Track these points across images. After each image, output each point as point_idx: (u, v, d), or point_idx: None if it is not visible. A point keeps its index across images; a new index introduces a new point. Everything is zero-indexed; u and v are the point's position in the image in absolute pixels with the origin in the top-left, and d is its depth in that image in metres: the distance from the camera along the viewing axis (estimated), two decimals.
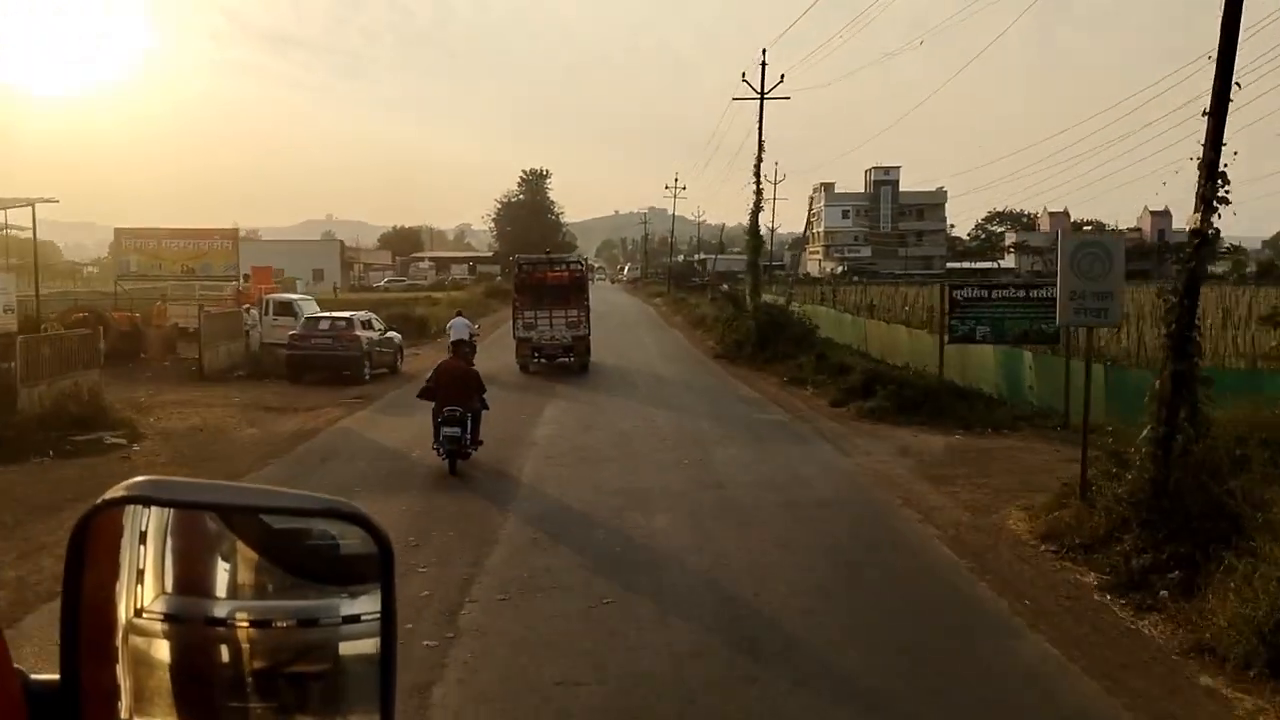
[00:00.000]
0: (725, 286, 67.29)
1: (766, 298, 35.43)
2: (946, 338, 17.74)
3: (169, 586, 1.30)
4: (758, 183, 32.01)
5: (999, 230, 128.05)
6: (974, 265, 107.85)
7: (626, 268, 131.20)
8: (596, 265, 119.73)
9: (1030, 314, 17.17)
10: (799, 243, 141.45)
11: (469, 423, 12.24)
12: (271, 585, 1.37)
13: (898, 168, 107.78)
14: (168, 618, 1.28)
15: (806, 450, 14.00)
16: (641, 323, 43.94)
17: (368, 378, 22.25)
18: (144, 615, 1.28)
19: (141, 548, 1.28)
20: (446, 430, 11.96)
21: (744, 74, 33.98)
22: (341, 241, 78.54)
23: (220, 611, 1.31)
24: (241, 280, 29.92)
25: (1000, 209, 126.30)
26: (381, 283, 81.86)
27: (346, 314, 23.80)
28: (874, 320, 29.49)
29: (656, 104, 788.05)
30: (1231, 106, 8.65)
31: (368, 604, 1.31)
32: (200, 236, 25.77)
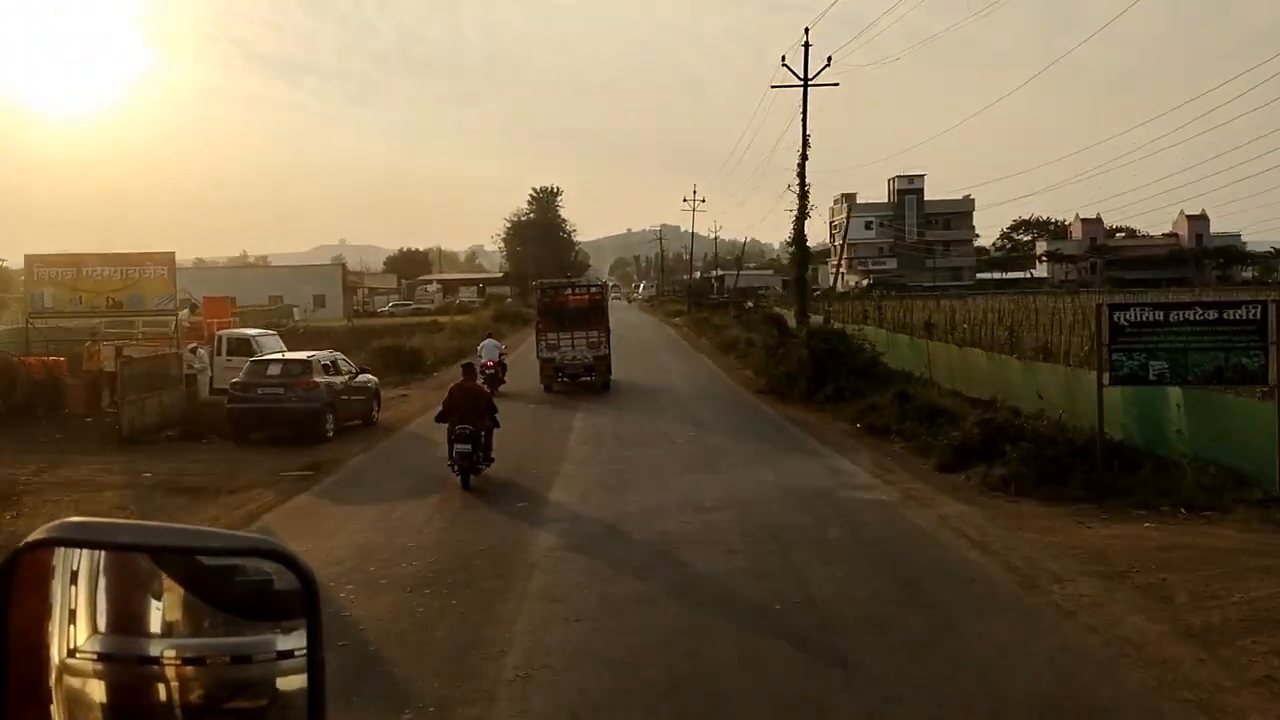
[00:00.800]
0: (750, 304, 62.59)
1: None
2: (1107, 377, 12.77)
3: (102, 626, 1.31)
4: (802, 184, 27.32)
5: (1024, 239, 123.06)
6: (1006, 275, 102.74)
7: (641, 286, 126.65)
8: (611, 284, 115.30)
9: (1224, 343, 12.28)
10: (817, 256, 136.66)
11: (480, 439, 12.84)
12: (205, 623, 1.36)
13: (922, 176, 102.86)
14: (101, 657, 1.29)
15: (949, 570, 9.04)
16: (663, 346, 39.25)
17: (330, 434, 17.51)
18: (77, 655, 1.28)
19: (73, 588, 1.29)
20: (459, 447, 12.56)
21: (784, 58, 29.27)
22: (344, 265, 74.25)
23: (154, 650, 1.31)
24: (189, 312, 25.39)
25: (1026, 217, 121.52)
26: (386, 307, 77.44)
27: (304, 355, 19.04)
28: (938, 342, 24.65)
29: (667, 122, 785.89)
30: None
31: (302, 639, 1.31)
32: (129, 263, 21.21)
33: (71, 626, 1.28)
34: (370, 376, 20.46)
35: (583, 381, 24.24)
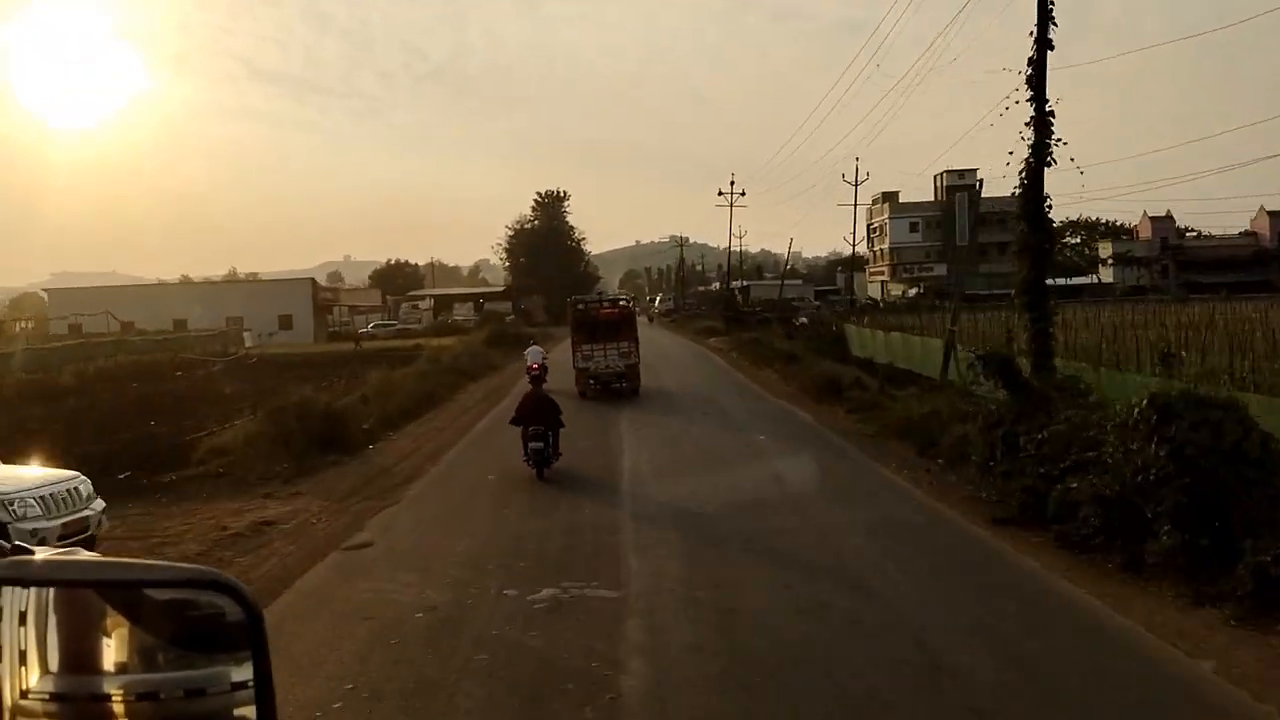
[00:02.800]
0: (801, 319, 50.91)
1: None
2: None
3: (54, 666, 1.30)
4: (1039, 105, 15.63)
5: (1072, 242, 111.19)
6: (1070, 282, 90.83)
7: (658, 299, 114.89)
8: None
9: None
10: (849, 263, 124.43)
11: (550, 438, 14.27)
12: (158, 658, 1.34)
13: (974, 171, 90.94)
14: (54, 697, 1.28)
15: None
16: (723, 390, 26.70)
17: None
18: (30, 697, 1.27)
19: (22, 629, 1.28)
20: (533, 445, 14.13)
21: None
22: (313, 280, 62.78)
23: (108, 687, 1.29)
24: None
25: (1073, 218, 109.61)
26: (367, 328, 65.93)
27: None
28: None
29: (671, 133, 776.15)
30: None
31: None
32: None
33: (23, 668, 1.27)
34: (77, 484, 8.98)
35: (614, 389, 25.46)
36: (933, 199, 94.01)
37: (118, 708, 1.28)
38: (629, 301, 30.94)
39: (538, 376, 22.91)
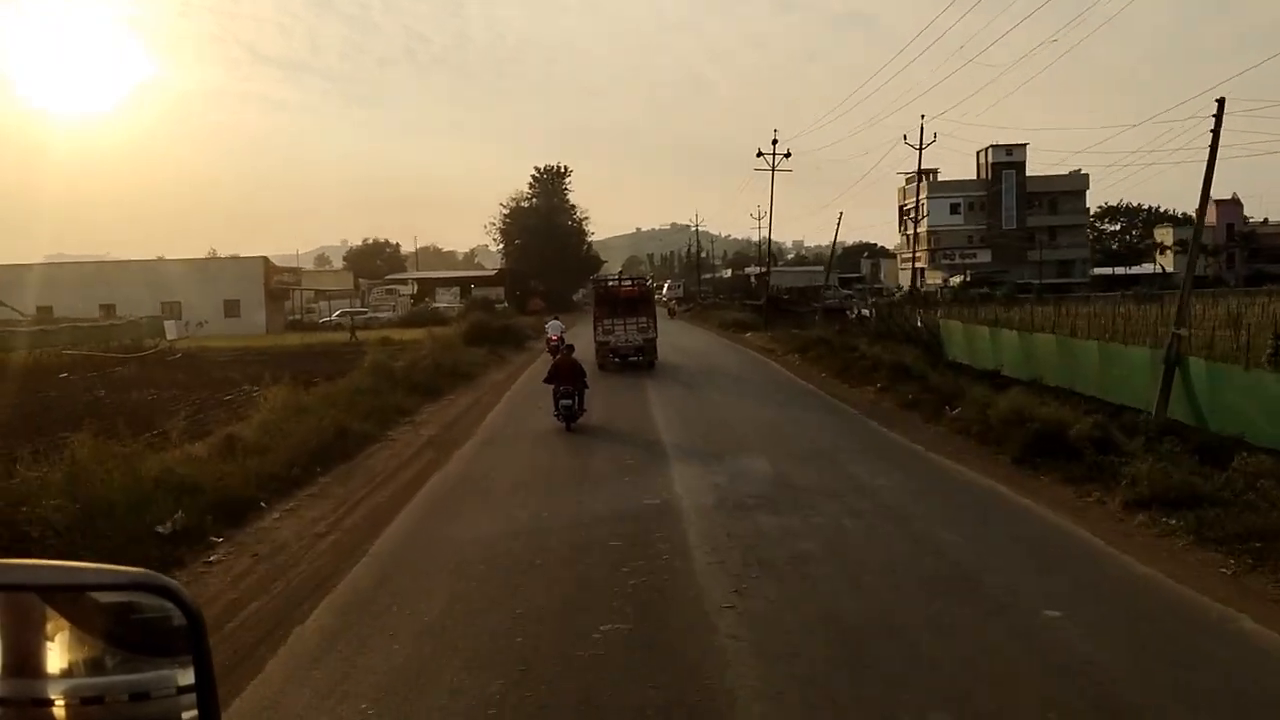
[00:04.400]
0: (866, 311, 41.53)
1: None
2: None
3: None
4: None
5: (1110, 229, 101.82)
6: (1131, 271, 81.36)
7: (666, 286, 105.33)
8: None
9: None
10: (875, 251, 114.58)
11: (578, 398, 16.19)
12: (103, 661, 1.32)
13: (1024, 147, 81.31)
14: None
15: None
16: (842, 454, 17.25)
17: None
18: None
19: None
20: (563, 402, 16.05)
21: None
22: (265, 259, 53.08)
23: (51, 692, 1.28)
24: None
25: (1112, 203, 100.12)
26: (332, 316, 56.40)
27: None
28: None
29: (673, 121, 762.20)
30: None
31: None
32: None
33: None
34: None
35: (632, 361, 26.34)
36: (975, 177, 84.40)
37: (61, 712, 1.26)
38: (646, 280, 33.44)
39: (557, 346, 23.11)
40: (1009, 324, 26.91)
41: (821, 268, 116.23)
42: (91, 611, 1.30)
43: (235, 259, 52.23)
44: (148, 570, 1.33)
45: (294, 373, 21.64)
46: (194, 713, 1.29)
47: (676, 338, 40.80)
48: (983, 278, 72.62)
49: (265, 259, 53.17)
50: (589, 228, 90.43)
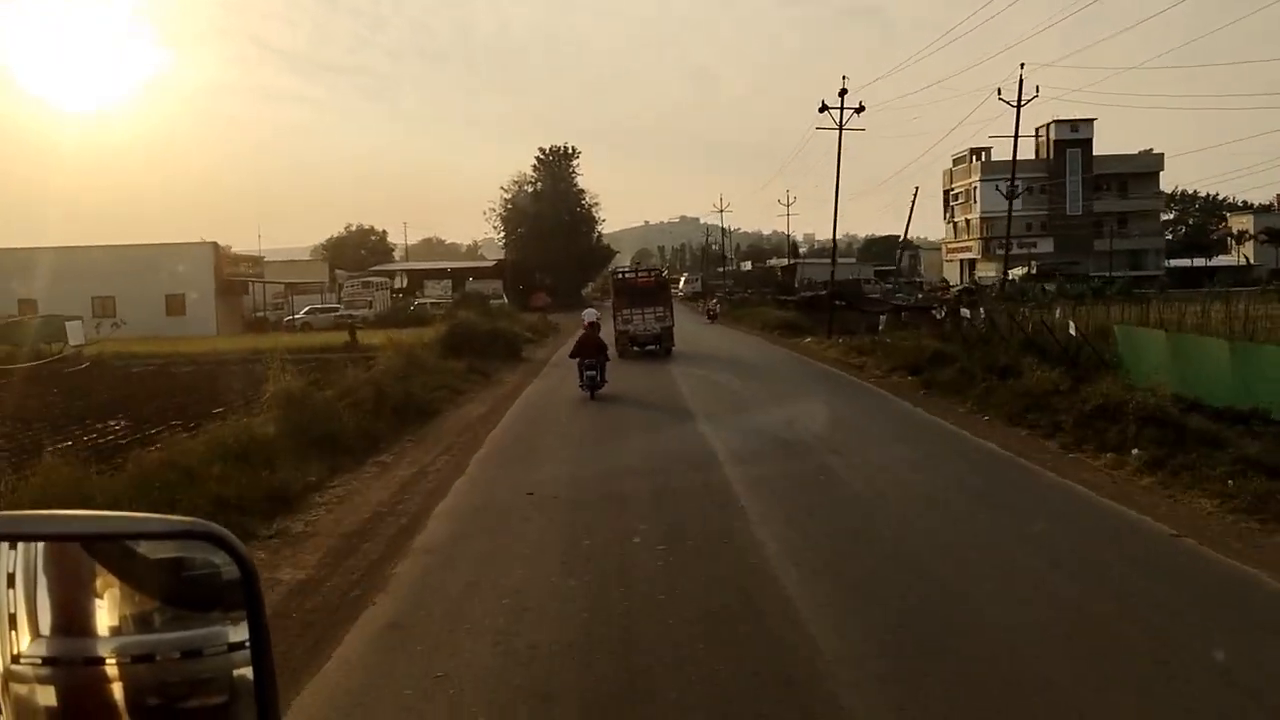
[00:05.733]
0: (965, 312, 32.58)
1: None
2: None
3: (45, 629, 1.26)
4: None
5: (1165, 217, 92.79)
6: (1209, 263, 72.47)
7: (684, 279, 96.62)
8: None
9: None
10: (901, 242, 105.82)
11: (600, 369, 18.34)
12: (153, 618, 1.29)
13: (1090, 122, 72.24)
14: (47, 661, 1.24)
15: None
16: None
17: None
18: (22, 661, 1.24)
19: (10, 591, 1.24)
20: (588, 373, 18.21)
21: None
22: (215, 244, 44.42)
23: (102, 650, 1.25)
24: None
25: (1168, 190, 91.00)
26: (299, 315, 47.85)
27: None
28: None
29: (680, 114, 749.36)
30: None
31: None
32: None
33: (13, 632, 1.24)
34: None
35: (649, 349, 27.35)
36: (1034, 157, 75.41)
37: (112, 671, 1.24)
38: (662, 271, 36.10)
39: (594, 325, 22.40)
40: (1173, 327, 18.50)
41: (854, 260, 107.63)
42: (140, 565, 1.25)
43: (179, 245, 43.66)
44: (201, 520, 1.26)
45: (170, 407, 12.96)
46: (245, 669, 1.24)
47: (722, 344, 32.25)
48: (1049, 269, 63.77)
49: (215, 245, 44.47)
50: (599, 214, 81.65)
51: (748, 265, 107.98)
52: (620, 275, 30.98)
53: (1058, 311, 29.82)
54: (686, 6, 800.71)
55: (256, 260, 50.16)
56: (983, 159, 75.04)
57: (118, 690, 1.24)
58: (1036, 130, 74.83)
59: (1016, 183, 73.94)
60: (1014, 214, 74.47)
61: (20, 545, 1.23)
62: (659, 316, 27.65)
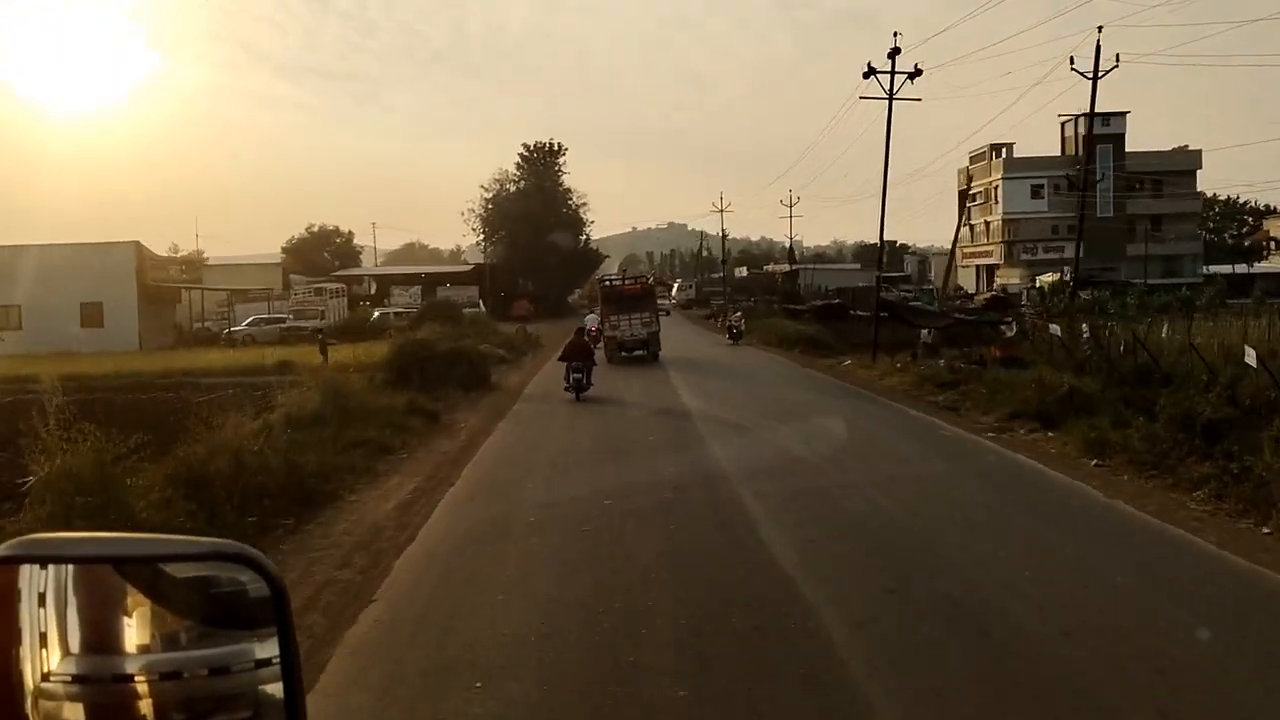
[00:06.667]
0: (1056, 328, 26.25)
1: None
2: None
3: (74, 647, 1.27)
4: None
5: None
6: (1252, 269, 66.78)
7: (676, 286, 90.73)
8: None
9: None
10: (896, 248, 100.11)
11: (586, 373, 19.25)
12: (180, 636, 1.31)
13: (1123, 115, 66.61)
14: (76, 679, 1.25)
15: None
16: None
17: None
18: (52, 679, 1.25)
19: (41, 610, 1.25)
20: (574, 375, 19.10)
21: None
22: (138, 244, 37.91)
23: (130, 668, 1.26)
24: None
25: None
26: (237, 327, 41.44)
27: None
28: None
29: (672, 120, 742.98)
30: None
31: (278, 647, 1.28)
32: None
33: (44, 650, 1.25)
34: None
35: (637, 355, 27.64)
36: (1060, 153, 69.79)
37: (141, 688, 1.24)
38: (649, 278, 37.57)
39: (596, 337, 25.94)
40: None
41: (858, 265, 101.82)
42: (168, 584, 1.25)
43: (95, 246, 37.20)
44: (231, 541, 1.27)
45: None
46: (273, 685, 1.24)
47: (746, 368, 25.92)
48: (1085, 277, 57.93)
49: (138, 244, 37.96)
50: (588, 216, 75.43)
51: (743, 271, 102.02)
52: (608, 283, 31.57)
53: (1163, 329, 24.04)
54: (676, 10, 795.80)
55: (193, 263, 43.73)
56: (1003, 155, 69.42)
57: (145, 707, 1.24)
58: (1062, 124, 69.29)
59: (1043, 182, 68.41)
60: (1038, 215, 69.05)
61: (51, 567, 1.24)
62: (646, 323, 28.32)
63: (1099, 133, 66.51)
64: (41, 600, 1.24)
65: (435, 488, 10.81)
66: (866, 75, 25.39)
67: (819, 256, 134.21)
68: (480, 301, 50.77)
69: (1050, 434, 13.09)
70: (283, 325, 40.23)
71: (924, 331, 29.88)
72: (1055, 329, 22.78)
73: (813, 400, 19.09)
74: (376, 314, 43.64)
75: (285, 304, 45.94)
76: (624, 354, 27.77)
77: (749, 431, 14.97)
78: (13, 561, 1.21)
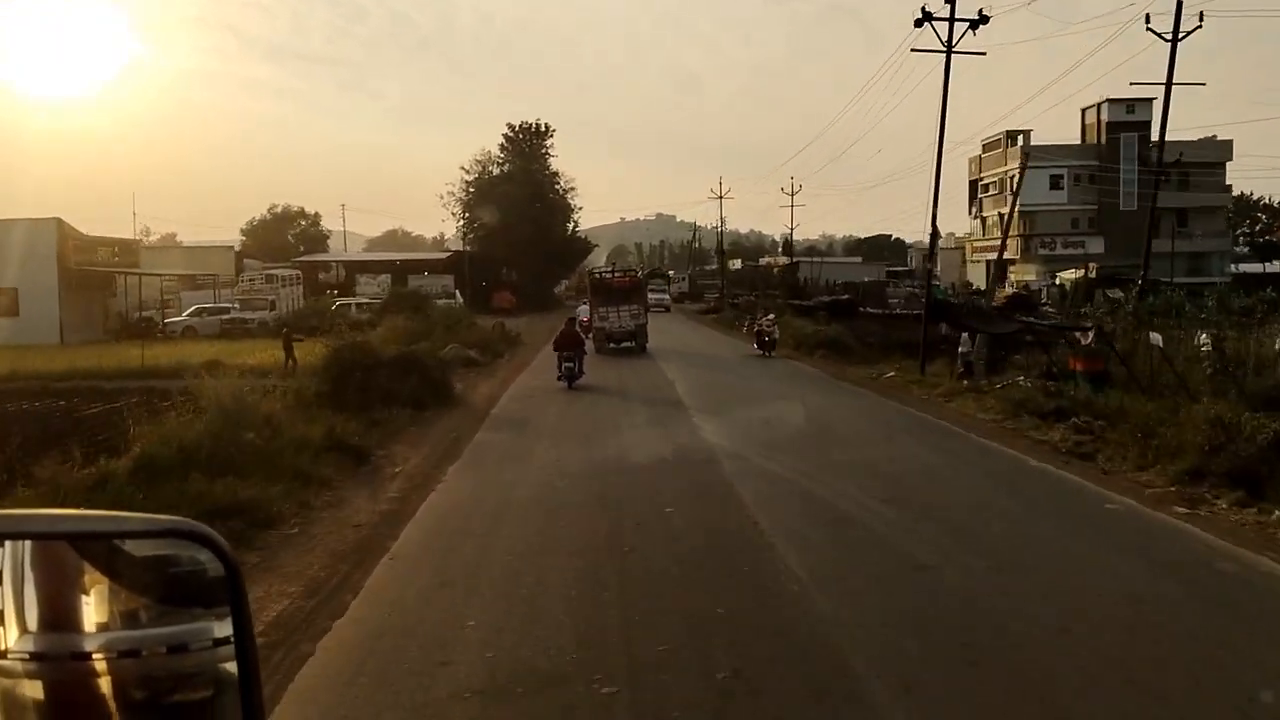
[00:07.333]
0: (1158, 338, 21.61)
1: None
2: None
3: (32, 624, 1.26)
4: None
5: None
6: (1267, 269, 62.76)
7: (669, 276, 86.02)
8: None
9: None
10: (892, 242, 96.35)
11: (578, 361, 19.96)
12: (139, 614, 1.30)
13: (1149, 102, 62.24)
14: (34, 656, 1.25)
15: None
16: None
17: None
18: (8, 656, 1.25)
19: None
20: (566, 365, 19.76)
21: None
22: (59, 221, 32.92)
23: (88, 645, 1.26)
24: None
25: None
26: (181, 316, 36.55)
27: None
28: None
29: (660, 113, 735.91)
30: None
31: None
32: None
33: (1, 627, 1.24)
34: None
35: (625, 346, 28.27)
36: (1080, 141, 65.51)
37: (99, 665, 1.25)
38: (637, 271, 36.64)
39: (587, 327, 27.03)
40: None
41: (859, 259, 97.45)
42: (126, 562, 1.26)
43: (8, 222, 32.10)
44: (185, 519, 1.28)
45: None
46: (232, 664, 1.25)
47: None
48: (1111, 273, 53.72)
49: (59, 221, 32.94)
50: (576, 202, 70.63)
51: (736, 264, 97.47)
52: (598, 275, 32.35)
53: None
54: (669, 4, 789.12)
55: (128, 246, 38.69)
56: (1019, 143, 65.02)
57: (104, 685, 1.24)
58: (1083, 111, 65.00)
59: (1062, 172, 64.09)
60: (1058, 207, 64.79)
61: (8, 543, 1.23)
62: (634, 314, 29.06)
63: (1123, 119, 62.34)
64: None
65: (303, 626, 6.15)
66: (919, 23, 20.81)
67: (811, 250, 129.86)
68: (456, 292, 46.05)
69: (1257, 505, 8.56)
70: (226, 317, 35.37)
71: (964, 336, 25.38)
72: (1157, 339, 18.30)
73: (909, 453, 12.54)
74: (336, 305, 38.82)
75: (234, 291, 40.98)
76: (612, 345, 28.48)
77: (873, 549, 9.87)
78: None
